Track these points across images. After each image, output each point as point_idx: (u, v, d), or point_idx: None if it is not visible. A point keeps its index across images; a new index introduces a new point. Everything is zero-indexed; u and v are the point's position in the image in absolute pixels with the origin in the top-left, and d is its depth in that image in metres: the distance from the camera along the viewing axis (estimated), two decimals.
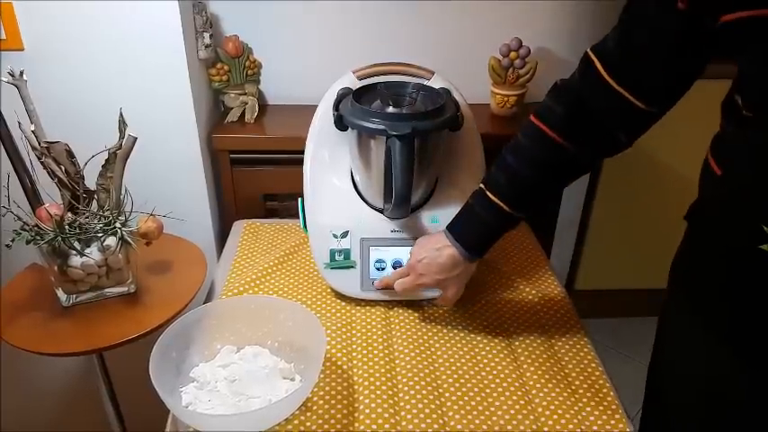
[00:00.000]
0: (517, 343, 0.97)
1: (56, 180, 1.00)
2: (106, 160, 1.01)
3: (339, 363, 0.92)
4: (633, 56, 0.73)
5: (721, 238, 0.72)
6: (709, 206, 0.75)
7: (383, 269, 1.03)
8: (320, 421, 0.82)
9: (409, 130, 0.91)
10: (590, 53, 0.77)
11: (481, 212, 0.89)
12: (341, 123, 0.99)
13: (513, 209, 0.87)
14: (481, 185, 0.90)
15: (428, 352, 0.95)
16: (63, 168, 0.99)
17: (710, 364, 0.79)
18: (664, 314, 0.88)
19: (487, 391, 0.88)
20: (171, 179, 1.35)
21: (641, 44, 0.72)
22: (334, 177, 1.08)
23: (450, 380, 0.90)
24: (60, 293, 1.02)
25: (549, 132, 0.81)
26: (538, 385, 0.89)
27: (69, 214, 1.00)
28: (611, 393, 0.88)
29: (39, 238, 0.95)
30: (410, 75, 1.07)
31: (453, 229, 0.93)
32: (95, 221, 1.00)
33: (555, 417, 0.83)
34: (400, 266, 1.03)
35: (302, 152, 1.09)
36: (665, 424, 0.90)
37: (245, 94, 1.46)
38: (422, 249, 0.95)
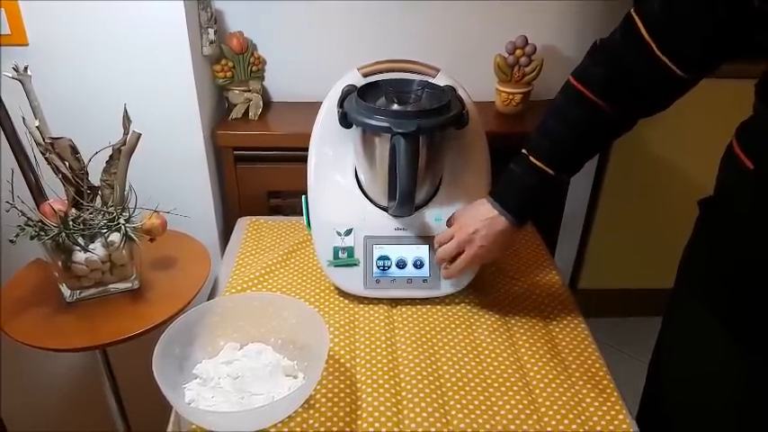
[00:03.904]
0: (521, 342, 0.97)
1: (60, 176, 1.00)
2: (110, 156, 1.01)
3: (342, 360, 0.92)
4: (675, 23, 0.72)
5: (744, 230, 0.72)
6: (735, 198, 0.75)
7: (387, 267, 1.03)
8: (323, 419, 0.82)
9: (414, 128, 0.91)
10: (633, 14, 0.76)
11: (525, 178, 0.89)
12: (345, 121, 0.99)
13: (556, 171, 0.87)
14: (523, 151, 0.90)
15: (431, 350, 0.95)
16: (67, 164, 0.99)
17: (717, 359, 0.79)
18: (670, 307, 0.88)
19: (491, 390, 0.88)
20: (175, 175, 1.35)
21: (684, 12, 0.71)
22: (339, 175, 1.08)
23: (454, 378, 0.89)
24: (64, 289, 1.02)
25: (589, 95, 0.82)
26: (541, 385, 0.88)
27: (73, 210, 1.00)
28: (615, 393, 0.88)
29: (43, 233, 0.95)
30: (415, 72, 1.07)
31: (499, 197, 0.93)
32: (99, 217, 1.00)
33: (558, 416, 0.83)
34: (404, 265, 1.03)
35: (306, 149, 1.09)
36: (665, 420, 0.90)
37: (250, 90, 1.45)
38: (471, 221, 0.94)
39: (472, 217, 0.94)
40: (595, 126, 0.85)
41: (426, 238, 1.04)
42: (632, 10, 0.76)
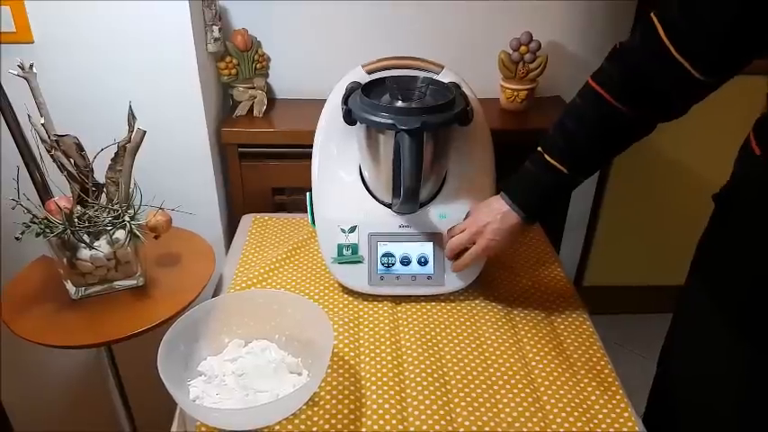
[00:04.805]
0: (525, 340, 0.97)
1: (65, 173, 1.00)
2: (115, 153, 1.01)
3: (346, 358, 0.92)
4: (693, 24, 0.71)
5: (752, 218, 0.72)
6: (744, 186, 0.75)
7: (391, 264, 1.03)
8: (327, 416, 0.82)
9: (418, 125, 0.91)
10: (653, 17, 0.75)
11: (539, 175, 0.90)
12: (349, 117, 0.99)
13: (570, 170, 0.87)
14: (539, 149, 0.90)
15: (435, 348, 0.95)
16: (72, 161, 0.99)
17: (721, 359, 0.79)
18: (680, 303, 0.88)
19: (495, 387, 0.88)
20: (180, 173, 1.35)
21: (704, 14, 0.70)
22: (343, 172, 1.08)
23: (458, 376, 0.89)
24: (69, 286, 1.03)
25: (607, 96, 0.81)
26: (546, 382, 0.88)
27: (78, 207, 1.00)
28: (620, 391, 0.87)
29: (48, 230, 0.95)
30: (420, 69, 1.06)
31: (511, 193, 0.93)
32: (104, 215, 1.00)
33: (563, 414, 0.83)
34: (408, 262, 1.03)
35: (311, 146, 1.09)
36: (672, 418, 0.90)
37: (254, 87, 1.45)
38: (483, 215, 0.95)
39: (485, 211, 0.96)
40: (612, 128, 0.84)
41: (431, 234, 1.04)
42: (652, 13, 0.76)
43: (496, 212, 0.93)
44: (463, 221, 1.00)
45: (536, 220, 0.95)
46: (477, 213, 0.97)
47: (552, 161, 0.87)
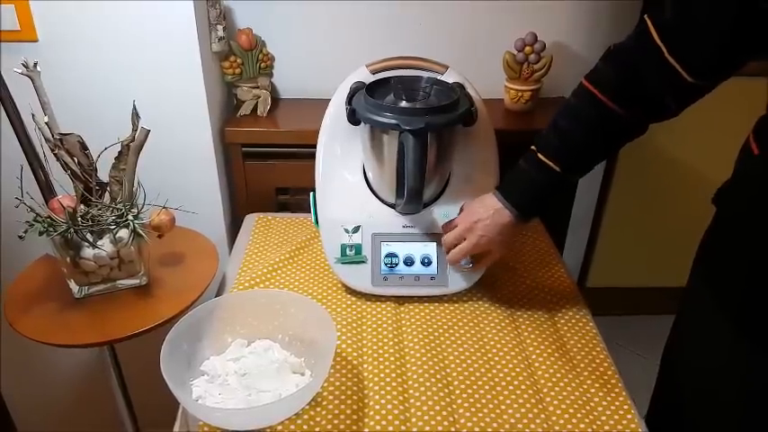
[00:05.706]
0: (529, 341, 0.96)
1: (69, 172, 1.00)
2: (119, 152, 1.01)
3: (349, 358, 0.92)
4: (686, 27, 0.71)
5: (750, 218, 0.72)
6: (742, 185, 0.75)
7: (395, 265, 1.03)
8: (330, 416, 0.82)
9: (422, 125, 0.90)
10: (646, 18, 0.75)
11: (532, 174, 0.89)
12: (353, 117, 0.99)
13: (563, 169, 0.87)
14: (532, 148, 0.90)
15: (438, 348, 0.94)
16: (76, 160, 0.99)
17: (722, 357, 0.79)
18: (683, 301, 0.88)
19: (498, 388, 0.87)
20: (183, 172, 1.35)
21: (700, 16, 0.70)
22: (346, 172, 1.08)
23: (461, 377, 0.89)
24: (72, 285, 1.03)
25: (600, 96, 0.81)
26: (549, 384, 0.88)
27: (82, 206, 1.00)
28: (624, 392, 0.87)
29: (51, 229, 0.95)
30: (424, 69, 1.06)
31: (504, 191, 0.93)
32: (108, 213, 1.00)
33: (566, 416, 0.83)
34: (412, 262, 1.02)
35: (315, 146, 1.09)
36: (674, 414, 0.90)
37: (258, 87, 1.45)
38: (476, 212, 0.95)
39: (477, 207, 0.96)
40: (605, 127, 0.84)
41: (434, 235, 1.04)
42: (646, 14, 0.76)
43: (489, 209, 0.93)
44: (457, 216, 1.00)
45: (529, 219, 0.94)
46: (470, 209, 0.97)
47: (546, 160, 0.87)
